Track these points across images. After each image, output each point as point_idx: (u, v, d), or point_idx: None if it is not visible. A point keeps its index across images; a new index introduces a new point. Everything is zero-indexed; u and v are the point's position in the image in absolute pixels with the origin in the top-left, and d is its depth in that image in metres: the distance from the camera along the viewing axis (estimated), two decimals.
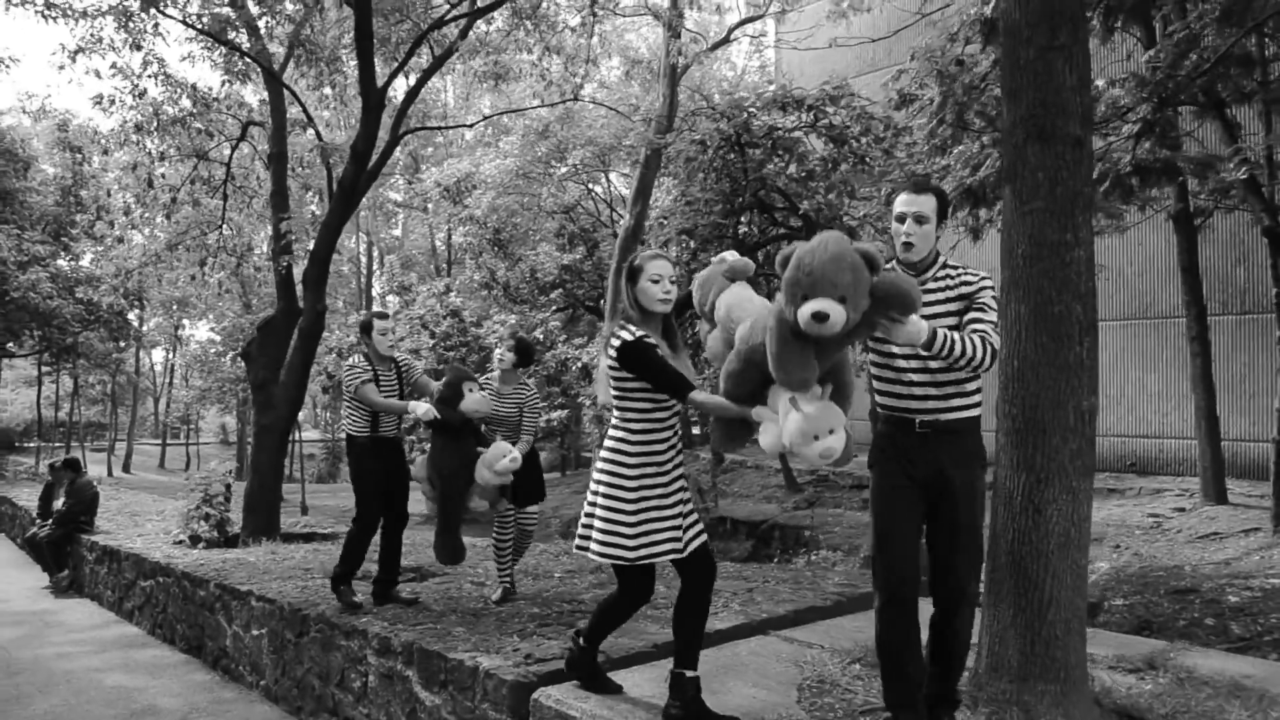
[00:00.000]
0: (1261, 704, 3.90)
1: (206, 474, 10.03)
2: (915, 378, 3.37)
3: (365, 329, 5.85)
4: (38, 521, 11.15)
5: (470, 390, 5.42)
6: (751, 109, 10.01)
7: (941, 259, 3.48)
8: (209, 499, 9.56)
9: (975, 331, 3.29)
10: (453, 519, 5.43)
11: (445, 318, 17.72)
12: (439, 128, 20.08)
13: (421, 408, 5.42)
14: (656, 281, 3.54)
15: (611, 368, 3.53)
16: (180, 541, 9.27)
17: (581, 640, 3.91)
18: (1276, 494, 11.21)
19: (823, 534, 15.91)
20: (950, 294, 3.41)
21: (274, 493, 10.25)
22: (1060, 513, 3.67)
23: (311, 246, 10.45)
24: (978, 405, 3.43)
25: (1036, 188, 3.78)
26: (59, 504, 10.74)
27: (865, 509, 11.96)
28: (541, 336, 18.16)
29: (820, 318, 2.88)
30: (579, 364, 15.02)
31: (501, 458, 5.27)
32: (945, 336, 3.17)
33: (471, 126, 20.66)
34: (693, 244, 10.79)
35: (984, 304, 3.37)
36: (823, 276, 2.91)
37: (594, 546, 3.58)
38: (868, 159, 10.05)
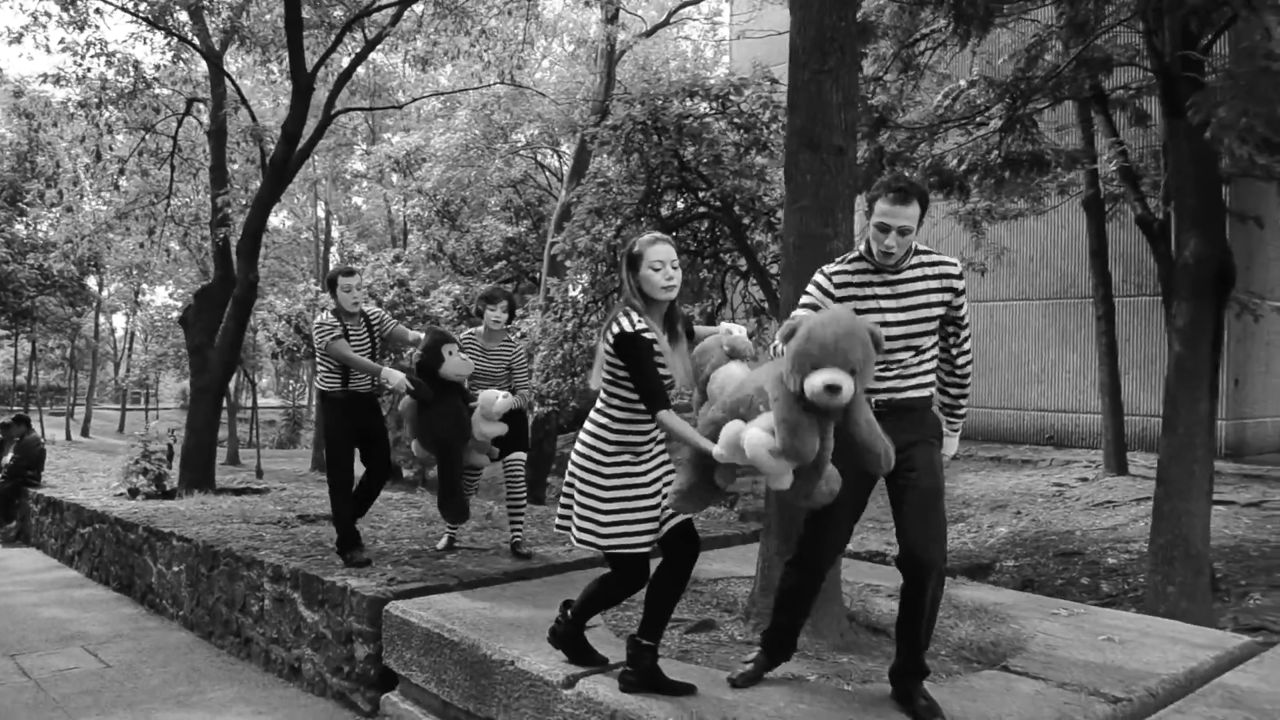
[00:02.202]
0: (989, 621, 4.70)
1: (145, 431, 10.63)
2: None
3: (331, 284, 5.84)
4: None
5: (450, 354, 5.40)
6: (661, 96, 10.62)
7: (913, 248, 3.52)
8: (147, 454, 10.20)
9: (962, 353, 3.57)
10: (455, 480, 5.48)
11: (392, 287, 18.32)
12: (368, 109, 20.52)
13: (396, 377, 5.40)
14: (658, 269, 3.40)
15: (607, 353, 3.45)
16: (120, 494, 9.88)
17: (569, 613, 3.82)
18: None
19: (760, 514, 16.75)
20: (929, 272, 3.45)
21: (209, 449, 10.92)
22: None
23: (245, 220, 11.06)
24: (931, 384, 3.53)
25: (804, 188, 4.49)
26: (7, 458, 11.28)
27: None
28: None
29: (833, 389, 2.85)
30: (519, 334, 15.67)
31: (494, 401, 5.41)
32: (959, 431, 3.70)
33: (401, 108, 21.21)
34: (617, 222, 11.32)
35: (963, 314, 3.51)
36: (836, 349, 2.89)
37: (574, 531, 3.54)
38: (770, 145, 10.70)
